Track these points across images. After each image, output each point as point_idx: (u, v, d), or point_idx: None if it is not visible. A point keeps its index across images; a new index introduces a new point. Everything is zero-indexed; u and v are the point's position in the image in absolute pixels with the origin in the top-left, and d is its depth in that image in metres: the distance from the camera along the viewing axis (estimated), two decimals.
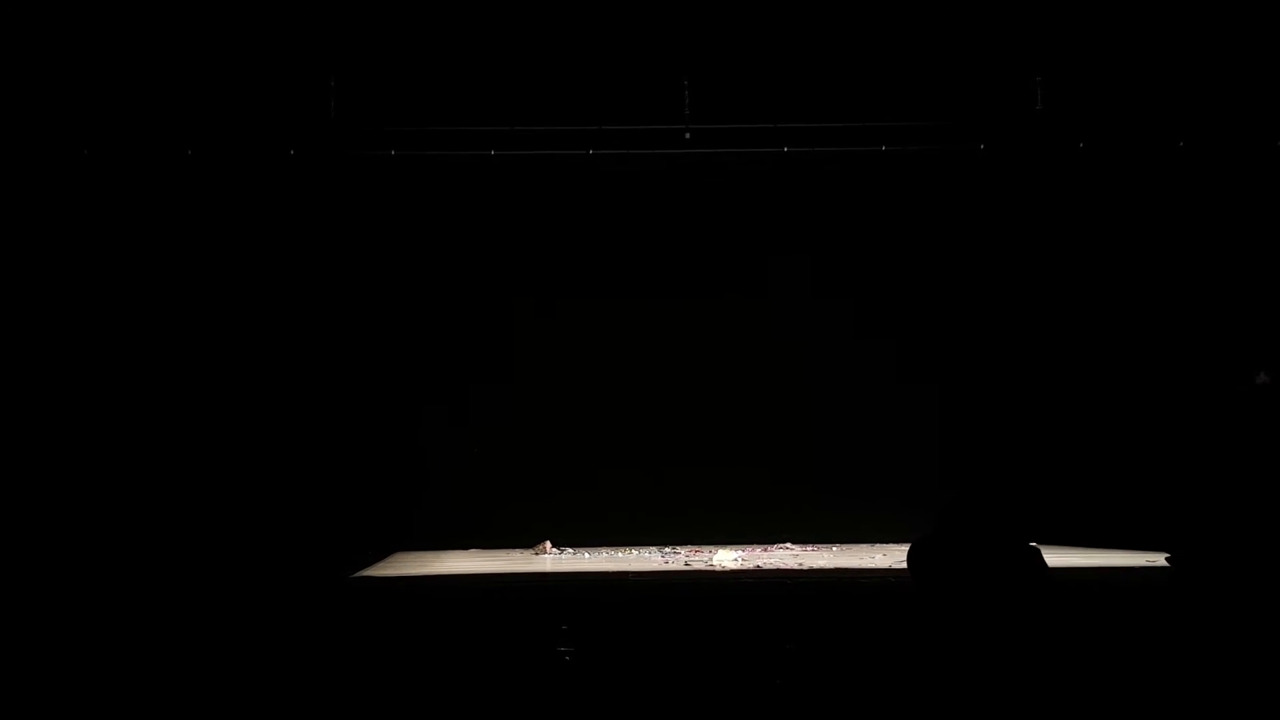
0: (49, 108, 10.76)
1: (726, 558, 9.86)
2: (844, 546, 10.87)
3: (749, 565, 9.66)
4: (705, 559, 9.99)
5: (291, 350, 11.36)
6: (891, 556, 9.85)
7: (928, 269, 11.75)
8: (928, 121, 11.20)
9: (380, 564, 9.99)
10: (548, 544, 10.81)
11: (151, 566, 9.59)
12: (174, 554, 10.13)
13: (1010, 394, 11.62)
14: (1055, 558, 7.23)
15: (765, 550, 10.60)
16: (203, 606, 7.55)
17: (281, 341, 11.35)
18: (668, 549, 10.76)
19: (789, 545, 10.89)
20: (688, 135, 11.04)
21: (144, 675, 5.41)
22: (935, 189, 11.67)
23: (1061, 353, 11.59)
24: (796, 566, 9.57)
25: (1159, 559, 9.04)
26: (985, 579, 6.32)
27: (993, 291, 11.70)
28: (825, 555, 10.38)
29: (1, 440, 10.76)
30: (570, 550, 10.82)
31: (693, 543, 10.90)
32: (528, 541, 10.87)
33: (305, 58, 10.82)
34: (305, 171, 11.29)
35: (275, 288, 11.38)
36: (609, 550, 10.82)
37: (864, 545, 10.84)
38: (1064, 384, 11.56)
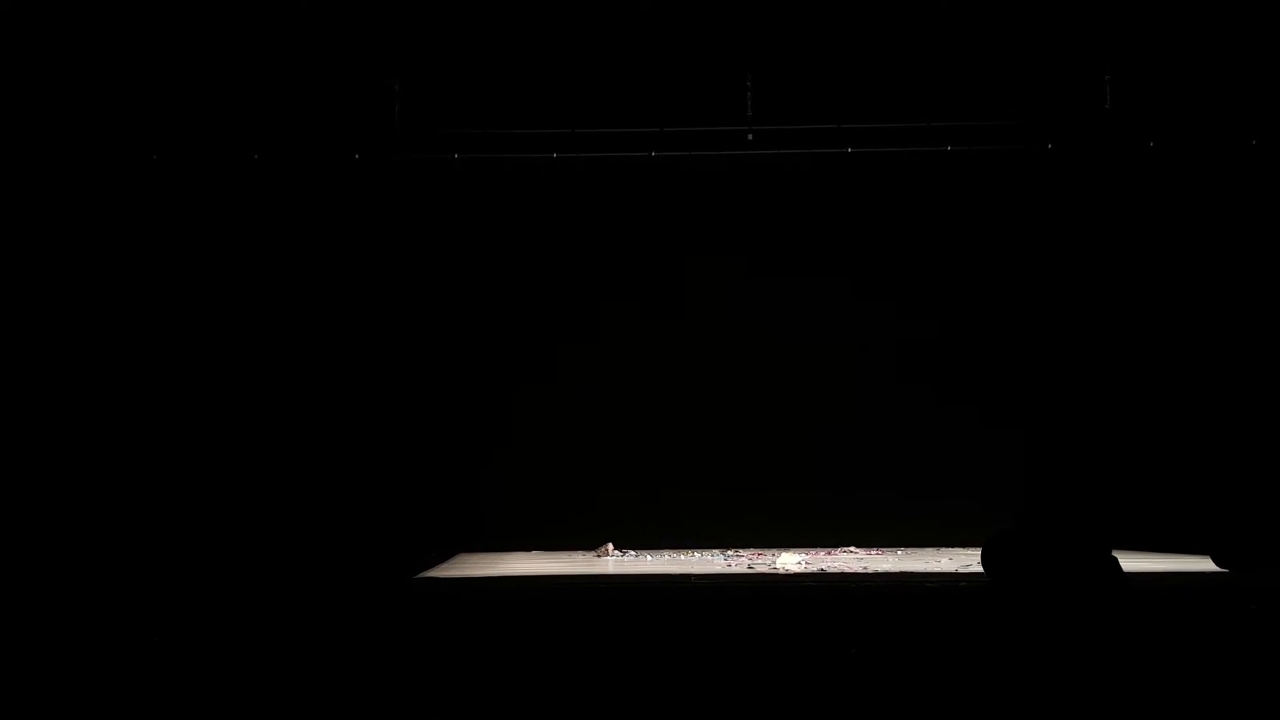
0: (120, 113, 10.91)
1: (790, 561, 9.79)
2: (909, 550, 10.77)
3: (813, 568, 9.59)
4: (768, 562, 9.93)
5: (357, 352, 11.44)
6: (958, 561, 9.76)
7: (994, 271, 11.61)
8: (994, 121, 11.08)
9: (443, 565, 10.03)
10: (610, 546, 10.80)
11: (219, 565, 9.69)
12: (240, 553, 10.23)
13: (1081, 397, 11.47)
14: (1128, 562, 7.12)
15: (829, 554, 10.52)
16: (266, 606, 7.60)
17: (347, 343, 11.44)
18: (730, 552, 10.71)
19: (853, 549, 10.81)
20: (750, 136, 11.00)
21: (206, 674, 5.44)
22: (1002, 189, 11.54)
23: (1130, 355, 11.41)
24: (861, 570, 9.49)
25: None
26: (1064, 580, 6.23)
27: (1060, 294, 11.54)
28: (890, 559, 10.28)
29: (67, 431, 10.95)
30: (632, 552, 10.80)
31: (756, 545, 10.85)
32: (590, 543, 10.87)
33: (369, 63, 10.90)
34: (369, 175, 11.38)
35: (341, 290, 11.46)
36: (671, 553, 10.79)
37: (929, 549, 10.73)
38: (1136, 386, 11.39)
